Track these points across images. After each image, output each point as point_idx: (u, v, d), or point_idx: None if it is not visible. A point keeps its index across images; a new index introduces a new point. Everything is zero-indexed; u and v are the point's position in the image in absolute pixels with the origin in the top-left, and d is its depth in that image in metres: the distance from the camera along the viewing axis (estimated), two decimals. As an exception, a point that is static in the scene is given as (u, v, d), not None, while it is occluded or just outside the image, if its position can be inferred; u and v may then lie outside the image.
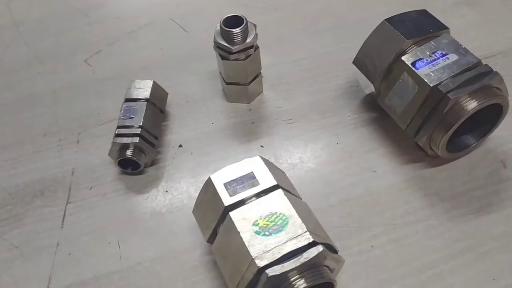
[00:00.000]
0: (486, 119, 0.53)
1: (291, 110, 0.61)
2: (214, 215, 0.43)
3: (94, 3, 0.80)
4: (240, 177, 0.44)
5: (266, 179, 0.43)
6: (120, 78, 0.66)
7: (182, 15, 0.76)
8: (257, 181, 0.43)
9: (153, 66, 0.69)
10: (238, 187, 0.43)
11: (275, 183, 0.43)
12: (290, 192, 0.44)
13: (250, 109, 0.62)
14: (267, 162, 0.46)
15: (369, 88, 0.61)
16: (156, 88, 0.59)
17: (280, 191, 0.42)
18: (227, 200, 0.42)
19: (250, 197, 0.42)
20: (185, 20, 0.75)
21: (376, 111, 0.60)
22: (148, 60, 0.70)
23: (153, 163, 0.57)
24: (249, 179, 0.44)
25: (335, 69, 0.66)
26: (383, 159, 0.56)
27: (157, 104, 0.58)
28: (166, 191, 0.54)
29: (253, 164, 0.45)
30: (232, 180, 0.44)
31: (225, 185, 0.43)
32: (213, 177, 0.44)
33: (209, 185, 0.44)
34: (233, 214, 0.41)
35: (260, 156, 0.45)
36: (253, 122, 0.60)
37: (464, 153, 0.54)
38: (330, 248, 0.40)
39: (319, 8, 0.76)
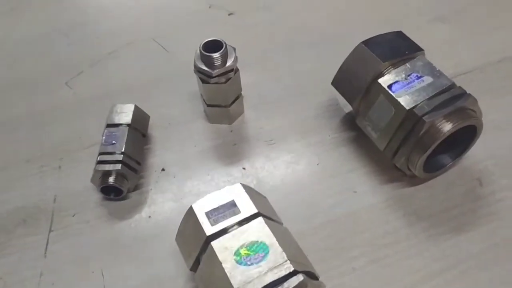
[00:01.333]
0: (462, 139, 0.54)
1: (272, 131, 0.62)
2: (196, 244, 0.44)
3: (73, 23, 0.80)
4: (222, 205, 0.44)
5: (247, 207, 0.44)
6: (102, 99, 0.66)
7: (163, 35, 0.76)
8: (238, 209, 0.44)
9: (135, 86, 0.69)
10: (219, 215, 0.44)
11: (256, 211, 0.44)
12: (271, 219, 0.45)
13: (231, 130, 0.62)
14: (248, 189, 0.46)
15: (348, 106, 0.62)
16: (137, 112, 0.59)
17: (260, 219, 0.43)
18: (209, 230, 0.43)
19: (232, 226, 0.43)
20: (166, 40, 0.75)
21: (356, 130, 0.60)
22: (130, 80, 0.70)
23: (136, 187, 0.57)
24: (231, 207, 0.44)
25: (315, 87, 0.66)
26: (363, 179, 0.56)
27: (139, 128, 0.59)
28: (150, 217, 0.55)
29: (234, 192, 0.45)
30: (214, 209, 0.44)
31: (207, 214, 0.44)
32: (195, 206, 0.45)
33: (191, 214, 0.45)
34: (214, 243, 0.42)
35: (241, 184, 0.46)
36: (235, 144, 0.61)
37: (441, 172, 0.55)
38: (311, 275, 0.41)
39: (297, 26, 0.76)
